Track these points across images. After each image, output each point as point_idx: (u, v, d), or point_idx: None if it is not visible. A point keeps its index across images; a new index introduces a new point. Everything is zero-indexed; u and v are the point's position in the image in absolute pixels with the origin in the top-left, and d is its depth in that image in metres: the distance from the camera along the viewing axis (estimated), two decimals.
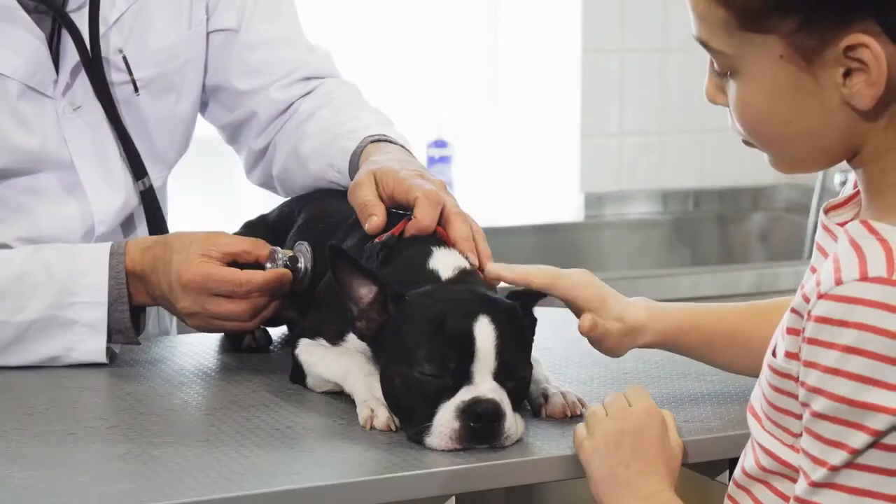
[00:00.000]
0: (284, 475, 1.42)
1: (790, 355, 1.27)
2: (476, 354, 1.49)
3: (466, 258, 1.66)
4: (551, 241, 3.67)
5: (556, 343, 1.87)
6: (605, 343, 1.64)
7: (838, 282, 1.22)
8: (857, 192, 1.35)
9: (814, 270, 1.34)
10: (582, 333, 1.62)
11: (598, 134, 3.74)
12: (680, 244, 3.84)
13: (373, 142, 1.91)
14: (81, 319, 1.80)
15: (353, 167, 1.89)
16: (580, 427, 1.47)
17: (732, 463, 1.55)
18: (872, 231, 1.25)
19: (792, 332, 1.27)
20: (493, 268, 1.63)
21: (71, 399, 1.70)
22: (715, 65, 1.31)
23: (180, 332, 2.11)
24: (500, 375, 1.50)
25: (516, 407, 1.51)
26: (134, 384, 1.76)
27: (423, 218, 1.68)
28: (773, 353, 1.31)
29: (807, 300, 1.25)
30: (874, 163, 1.30)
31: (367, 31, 3.76)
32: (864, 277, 1.21)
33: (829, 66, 1.24)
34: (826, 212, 1.38)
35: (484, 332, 1.50)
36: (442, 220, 1.70)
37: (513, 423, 1.49)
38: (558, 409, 1.59)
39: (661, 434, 1.44)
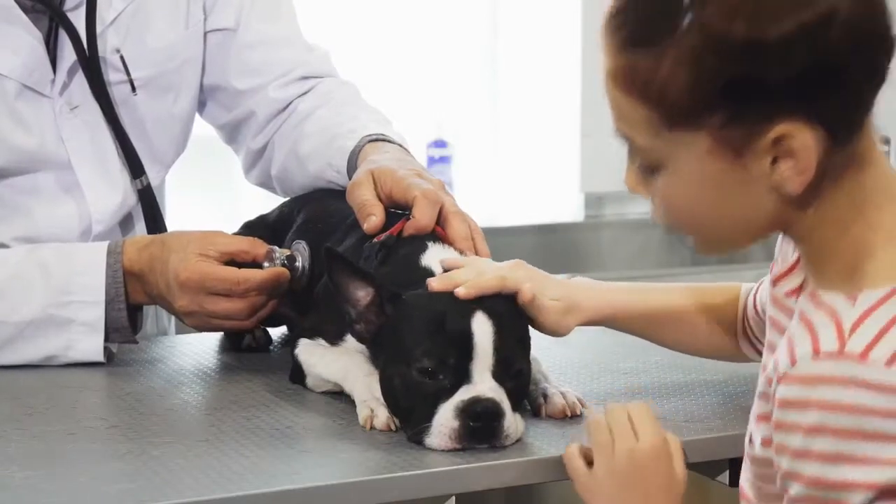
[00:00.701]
0: (284, 475, 1.42)
1: (765, 442, 1.28)
2: (474, 352, 1.49)
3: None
4: (551, 242, 3.66)
5: (556, 343, 1.87)
6: (545, 321, 1.62)
7: (794, 362, 1.22)
8: (799, 260, 1.35)
9: (771, 347, 1.35)
10: (522, 302, 1.58)
11: (598, 134, 3.74)
12: (680, 244, 3.83)
13: (371, 141, 1.91)
14: (78, 318, 1.80)
15: (352, 167, 1.89)
16: (574, 451, 1.45)
17: (732, 463, 1.56)
18: (820, 304, 1.25)
19: (762, 418, 1.29)
20: (460, 292, 1.56)
21: (71, 399, 1.70)
22: (639, 159, 1.29)
23: (179, 332, 2.11)
24: (500, 373, 1.49)
25: (516, 406, 1.51)
26: (134, 384, 1.76)
27: (422, 217, 1.68)
28: (751, 441, 1.32)
29: (770, 382, 1.26)
30: (807, 239, 1.30)
31: (367, 30, 3.75)
32: (817, 355, 1.21)
33: (758, 157, 1.22)
34: (774, 283, 1.38)
35: (482, 329, 1.50)
36: (440, 220, 1.70)
37: (512, 422, 1.49)
38: (558, 409, 1.58)
39: (668, 470, 1.42)
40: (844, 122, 1.23)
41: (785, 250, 1.40)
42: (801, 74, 1.18)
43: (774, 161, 1.22)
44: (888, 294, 1.22)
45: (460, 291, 1.53)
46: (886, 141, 3.69)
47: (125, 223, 2.01)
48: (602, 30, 1.25)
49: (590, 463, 1.43)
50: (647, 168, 1.29)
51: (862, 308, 1.22)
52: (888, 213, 1.26)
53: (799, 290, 1.35)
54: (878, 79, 1.23)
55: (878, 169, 1.27)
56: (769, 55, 1.18)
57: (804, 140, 1.21)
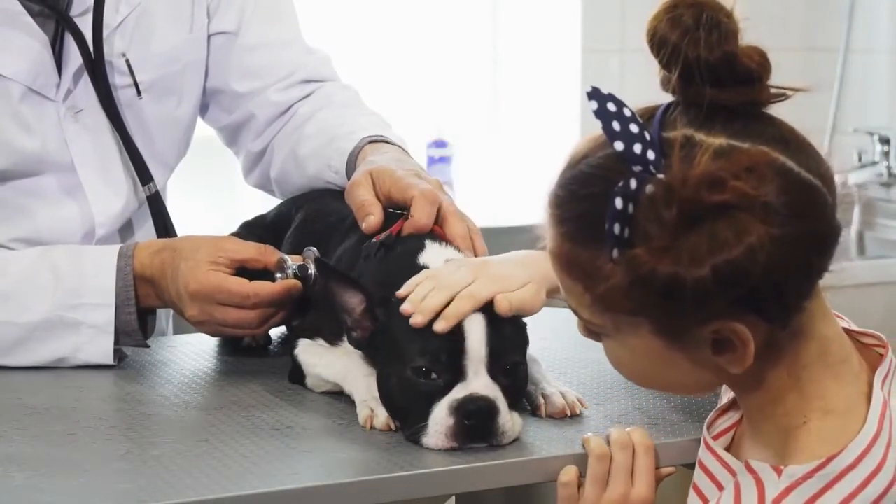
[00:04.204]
0: (284, 475, 1.42)
1: None
2: (467, 349, 1.48)
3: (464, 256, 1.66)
4: None
5: (556, 343, 1.87)
6: (528, 312, 1.60)
7: None
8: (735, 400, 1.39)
9: (700, 495, 1.37)
10: (502, 313, 1.55)
11: None
12: None
13: (370, 142, 1.91)
14: (88, 321, 1.80)
15: (351, 167, 1.89)
16: (572, 476, 1.46)
17: None
18: (751, 470, 1.29)
19: None
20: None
21: (71, 399, 1.70)
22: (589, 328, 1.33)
23: (177, 332, 2.11)
24: (494, 371, 1.49)
25: (514, 405, 1.51)
26: (134, 384, 1.76)
27: (421, 217, 1.68)
28: None
29: None
30: (746, 400, 1.34)
31: (367, 31, 3.76)
32: None
33: (699, 343, 1.25)
34: (709, 425, 1.41)
35: (474, 326, 1.49)
36: (439, 219, 1.70)
37: (508, 420, 1.48)
38: (558, 408, 1.58)
39: None
40: (783, 315, 1.25)
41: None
42: (729, 299, 1.20)
43: (715, 344, 1.25)
44: (811, 471, 1.24)
45: (439, 326, 1.50)
46: (886, 141, 3.69)
47: (128, 227, 2.01)
48: (546, 210, 1.28)
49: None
50: (593, 333, 1.33)
51: (784, 483, 1.25)
52: (825, 385, 1.29)
53: (735, 427, 1.39)
54: (815, 275, 1.25)
55: (817, 340, 1.30)
56: (688, 294, 1.19)
57: (742, 335, 1.23)
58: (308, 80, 2.09)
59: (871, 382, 1.29)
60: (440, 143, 3.79)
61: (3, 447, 1.51)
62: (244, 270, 1.76)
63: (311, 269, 1.76)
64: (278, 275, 1.75)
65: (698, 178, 1.17)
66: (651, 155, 1.21)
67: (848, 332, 1.35)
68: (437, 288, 1.53)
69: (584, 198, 1.24)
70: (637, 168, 1.20)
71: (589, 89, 1.24)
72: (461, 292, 1.52)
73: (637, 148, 1.21)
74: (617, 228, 1.19)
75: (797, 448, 1.27)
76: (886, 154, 3.69)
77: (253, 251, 1.77)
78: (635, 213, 1.19)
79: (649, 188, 1.19)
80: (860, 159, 3.71)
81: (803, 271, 1.23)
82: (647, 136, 1.22)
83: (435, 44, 3.88)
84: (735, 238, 1.17)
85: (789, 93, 1.27)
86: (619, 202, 1.19)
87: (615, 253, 1.20)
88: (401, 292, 1.54)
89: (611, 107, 1.23)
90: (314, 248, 1.78)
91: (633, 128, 1.22)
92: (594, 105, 1.23)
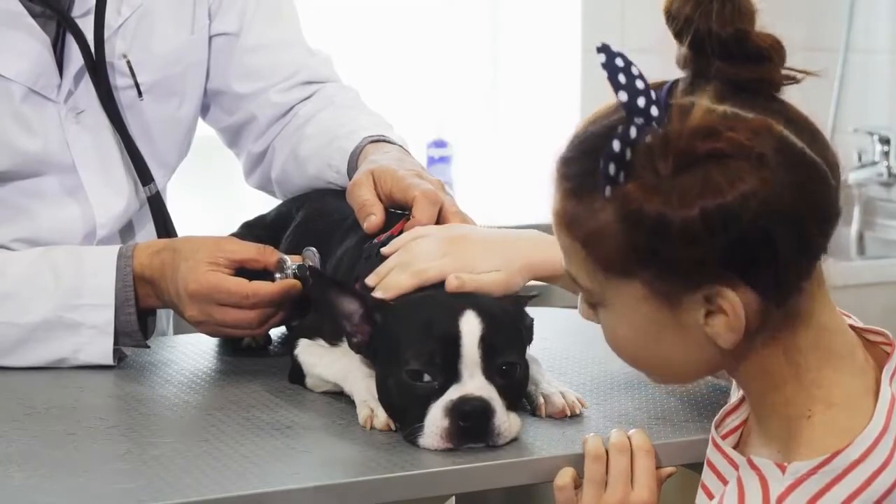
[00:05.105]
0: (284, 475, 1.42)
1: None
2: (462, 351, 1.48)
3: None
4: None
5: (556, 343, 1.87)
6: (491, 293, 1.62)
7: None
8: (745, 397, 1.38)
9: (707, 492, 1.37)
10: (450, 290, 1.58)
11: None
12: None
13: (371, 142, 1.91)
14: (88, 321, 1.80)
15: (352, 167, 1.89)
16: (567, 479, 1.46)
17: None
18: (754, 467, 1.28)
19: None
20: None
21: (71, 399, 1.70)
22: (584, 296, 1.33)
23: (177, 332, 2.11)
24: (490, 372, 1.49)
25: (512, 405, 1.51)
26: (134, 384, 1.76)
27: (422, 217, 1.68)
28: None
29: None
30: (747, 389, 1.33)
31: (368, 31, 3.76)
32: None
33: (691, 309, 1.25)
34: (717, 424, 1.40)
35: (469, 328, 1.49)
36: (440, 220, 1.70)
37: (505, 420, 1.48)
38: (558, 408, 1.58)
39: None
40: (777, 289, 1.25)
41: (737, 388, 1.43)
42: (718, 252, 1.21)
43: (708, 313, 1.25)
44: (816, 467, 1.24)
45: (376, 295, 1.56)
46: (886, 141, 3.69)
47: (129, 228, 2.01)
48: (551, 174, 1.30)
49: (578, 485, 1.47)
50: (591, 304, 1.33)
51: (789, 480, 1.24)
52: (825, 376, 1.28)
53: (741, 426, 1.39)
54: (813, 250, 1.25)
55: (817, 329, 1.29)
56: (676, 237, 1.20)
57: (733, 301, 1.23)
58: (309, 81, 2.09)
59: (879, 379, 1.29)
60: (440, 143, 3.79)
61: (3, 447, 1.51)
62: (244, 271, 1.76)
63: None
64: (277, 275, 1.75)
65: (694, 128, 1.20)
66: (654, 111, 1.22)
67: (854, 328, 1.34)
68: (401, 264, 1.57)
69: (589, 154, 1.25)
70: (639, 120, 1.21)
71: (599, 45, 1.25)
72: (415, 267, 1.56)
73: (641, 102, 1.22)
74: (612, 169, 1.20)
75: (802, 442, 1.26)
76: (886, 154, 3.69)
77: (252, 251, 1.77)
78: (632, 159, 1.20)
79: (648, 138, 1.20)
80: (860, 159, 3.71)
81: (798, 240, 1.23)
82: (653, 95, 1.23)
83: (435, 44, 3.88)
84: (728, 184, 1.18)
85: (799, 76, 1.27)
86: (616, 145, 1.20)
87: (608, 191, 1.21)
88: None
89: (619, 62, 1.24)
90: (314, 248, 1.78)
91: (640, 84, 1.23)
92: (602, 58, 1.24)
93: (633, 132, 1.20)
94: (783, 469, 1.25)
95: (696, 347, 1.28)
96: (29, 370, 1.80)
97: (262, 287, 1.74)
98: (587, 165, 1.25)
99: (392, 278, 1.59)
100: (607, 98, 1.30)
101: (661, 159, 1.19)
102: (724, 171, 1.18)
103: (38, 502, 1.36)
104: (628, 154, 1.20)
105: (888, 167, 3.68)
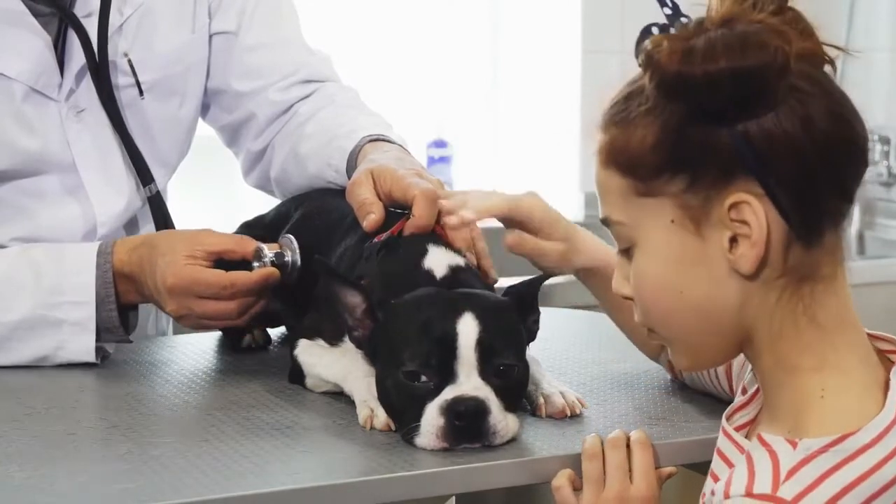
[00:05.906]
0: (284, 475, 1.42)
1: None
2: (459, 352, 1.49)
3: (464, 256, 1.66)
4: None
5: (556, 343, 1.87)
6: (548, 259, 1.67)
7: (727, 495, 1.25)
8: (758, 391, 1.37)
9: (714, 477, 1.36)
10: (507, 246, 1.66)
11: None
12: None
13: (371, 141, 1.91)
14: (69, 318, 1.80)
15: (352, 167, 1.89)
16: (564, 479, 1.46)
17: None
18: (764, 444, 1.28)
19: None
20: (467, 215, 1.63)
21: (71, 399, 1.70)
22: (619, 244, 1.35)
23: (177, 332, 2.11)
24: (486, 372, 1.49)
25: (511, 405, 1.51)
26: (134, 384, 1.76)
27: (422, 216, 1.68)
28: None
29: None
30: (766, 353, 1.31)
31: (368, 31, 3.76)
32: (748, 493, 1.23)
33: (716, 230, 1.26)
34: (728, 417, 1.40)
35: (466, 329, 1.49)
36: (440, 219, 1.70)
37: (501, 420, 1.48)
38: (558, 408, 1.58)
39: None
40: (801, 211, 1.25)
41: (750, 383, 1.42)
42: (741, 137, 1.23)
43: (732, 241, 1.26)
44: (827, 445, 1.23)
45: (466, 214, 1.62)
46: (886, 141, 3.69)
47: (130, 227, 2.02)
48: (597, 126, 1.34)
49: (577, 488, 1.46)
50: (625, 252, 1.34)
51: (800, 455, 1.24)
52: (841, 356, 1.28)
53: (751, 423, 1.38)
54: (840, 184, 1.26)
55: (834, 308, 1.29)
56: (702, 91, 1.23)
57: (757, 209, 1.24)
58: (309, 79, 2.09)
59: (887, 378, 1.28)
60: (440, 143, 3.79)
61: (3, 447, 1.51)
62: (222, 262, 1.77)
63: (288, 256, 1.78)
64: (255, 264, 1.77)
65: (724, 14, 1.26)
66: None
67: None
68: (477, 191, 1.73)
69: (633, 96, 1.29)
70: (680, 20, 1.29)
71: None
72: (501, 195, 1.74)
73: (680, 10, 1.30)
74: (648, 45, 1.26)
75: (813, 421, 1.26)
76: (886, 154, 3.69)
77: (229, 242, 1.78)
78: (667, 36, 1.26)
79: (678, 24, 1.28)
80: None
81: (826, 162, 1.24)
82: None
83: (435, 44, 3.88)
84: (758, 48, 1.23)
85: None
86: (655, 30, 1.28)
87: (647, 71, 1.26)
88: None
89: None
90: (290, 235, 1.79)
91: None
92: None
93: (668, 22, 1.28)
94: (794, 445, 1.24)
95: (719, 284, 1.27)
96: (29, 370, 1.80)
97: (239, 277, 1.75)
98: (630, 104, 1.29)
99: (477, 198, 1.67)
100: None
101: (695, 36, 1.24)
102: (755, 38, 1.23)
103: (38, 502, 1.36)
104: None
105: (888, 167, 3.68)
